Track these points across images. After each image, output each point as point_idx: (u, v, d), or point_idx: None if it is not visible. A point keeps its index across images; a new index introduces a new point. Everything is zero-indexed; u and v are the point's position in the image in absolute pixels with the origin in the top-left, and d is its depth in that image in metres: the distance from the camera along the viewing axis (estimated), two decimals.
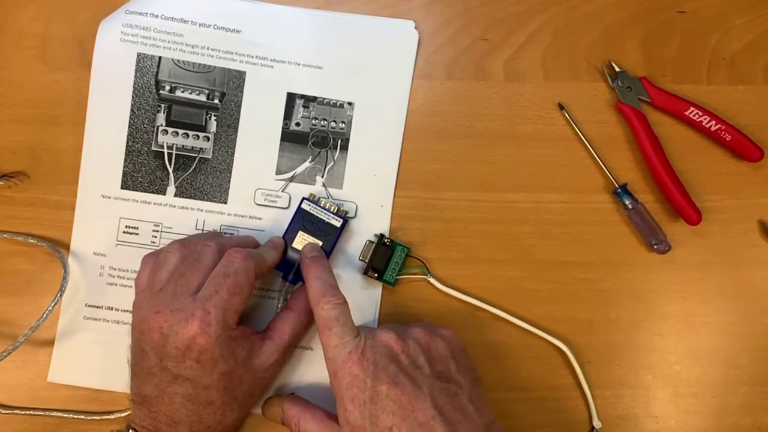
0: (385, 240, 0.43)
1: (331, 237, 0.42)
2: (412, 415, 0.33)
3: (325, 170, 0.45)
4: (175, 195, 0.45)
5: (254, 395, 0.40)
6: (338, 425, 0.36)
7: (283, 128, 0.45)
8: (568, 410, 0.44)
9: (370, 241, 0.44)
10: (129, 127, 0.45)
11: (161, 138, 0.45)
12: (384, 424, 0.33)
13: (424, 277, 0.44)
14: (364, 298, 0.44)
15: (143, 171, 0.45)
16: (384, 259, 0.43)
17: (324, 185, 0.45)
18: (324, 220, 0.42)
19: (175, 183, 0.45)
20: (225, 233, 0.44)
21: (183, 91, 0.45)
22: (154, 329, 0.36)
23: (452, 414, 0.34)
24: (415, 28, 0.46)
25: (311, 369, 0.44)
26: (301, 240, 0.42)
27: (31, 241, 0.43)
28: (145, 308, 0.37)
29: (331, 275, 0.39)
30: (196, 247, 0.39)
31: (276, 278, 0.44)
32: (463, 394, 0.36)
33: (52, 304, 0.41)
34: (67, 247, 0.44)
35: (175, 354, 0.35)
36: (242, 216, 0.45)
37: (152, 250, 0.41)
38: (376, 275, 0.43)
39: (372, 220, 0.45)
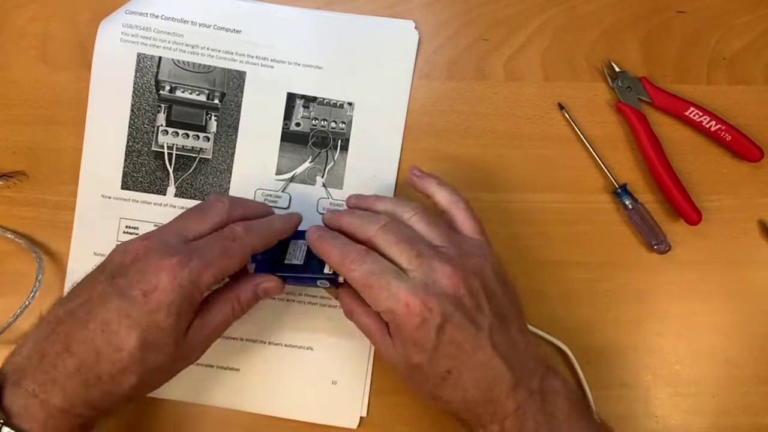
0: None
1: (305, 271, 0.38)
2: (473, 357, 0.34)
3: (325, 170, 0.45)
4: (176, 195, 0.45)
5: (161, 373, 0.35)
6: (389, 335, 0.35)
7: (283, 128, 0.45)
8: None
9: None
10: (129, 127, 0.45)
11: (161, 138, 0.45)
12: (443, 367, 0.34)
13: None
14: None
15: (143, 171, 0.45)
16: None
17: (324, 185, 0.45)
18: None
19: (175, 183, 0.45)
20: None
21: (183, 92, 0.45)
22: (130, 250, 0.34)
23: (507, 350, 0.34)
24: (415, 28, 0.46)
25: (312, 368, 0.44)
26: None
27: (9, 236, 0.43)
28: (135, 239, 0.36)
29: (342, 238, 0.37)
30: (210, 199, 0.39)
31: None
32: (513, 327, 0.36)
33: (27, 302, 0.42)
34: (67, 247, 0.44)
35: (133, 276, 0.33)
36: None
37: None
38: None
39: None
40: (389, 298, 0.33)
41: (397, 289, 0.33)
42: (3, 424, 0.30)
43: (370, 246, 0.36)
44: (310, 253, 0.38)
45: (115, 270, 0.34)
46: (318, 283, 0.39)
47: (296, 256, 0.39)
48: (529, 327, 0.44)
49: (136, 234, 0.44)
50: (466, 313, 0.34)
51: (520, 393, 0.34)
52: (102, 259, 0.43)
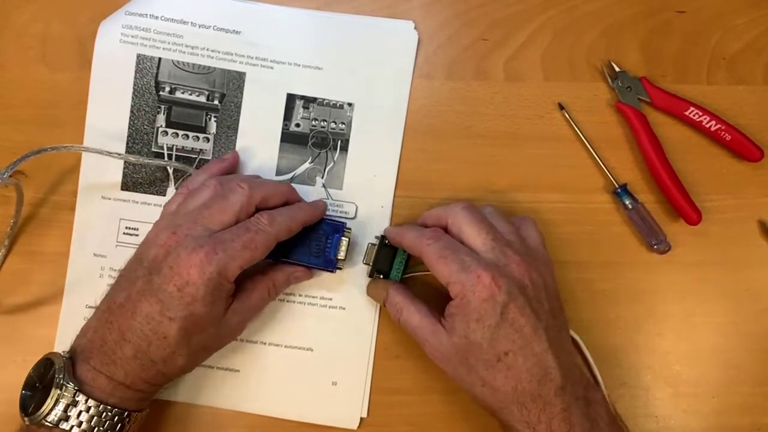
0: (387, 241, 0.43)
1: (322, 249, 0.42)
2: (529, 345, 0.35)
3: (325, 171, 0.45)
4: None
5: (207, 350, 0.39)
6: (440, 324, 0.38)
7: (283, 129, 0.45)
8: None
9: (371, 243, 0.43)
10: (129, 128, 0.45)
11: (161, 139, 0.45)
12: (501, 348, 0.35)
13: (429, 272, 0.44)
14: (369, 298, 0.44)
15: (143, 172, 0.45)
16: (387, 259, 0.43)
17: (324, 186, 0.45)
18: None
19: (175, 184, 0.45)
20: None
21: (183, 93, 0.45)
22: (162, 244, 0.36)
23: (558, 349, 0.36)
24: (415, 28, 0.46)
25: (312, 369, 0.44)
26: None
27: None
28: (162, 226, 0.38)
29: (419, 227, 0.41)
30: (230, 184, 0.39)
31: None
32: (563, 333, 0.39)
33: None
34: (67, 247, 0.44)
35: (167, 273, 0.35)
36: None
37: (188, 181, 0.42)
38: (381, 276, 0.43)
39: (372, 221, 0.45)
40: (461, 270, 0.36)
41: (470, 263, 0.36)
42: (77, 390, 0.34)
43: (450, 225, 0.39)
44: (318, 239, 0.42)
45: (151, 265, 0.36)
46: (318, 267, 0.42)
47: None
48: None
49: (136, 235, 0.44)
50: (528, 301, 0.36)
51: (567, 395, 0.36)
52: (102, 260, 0.43)
